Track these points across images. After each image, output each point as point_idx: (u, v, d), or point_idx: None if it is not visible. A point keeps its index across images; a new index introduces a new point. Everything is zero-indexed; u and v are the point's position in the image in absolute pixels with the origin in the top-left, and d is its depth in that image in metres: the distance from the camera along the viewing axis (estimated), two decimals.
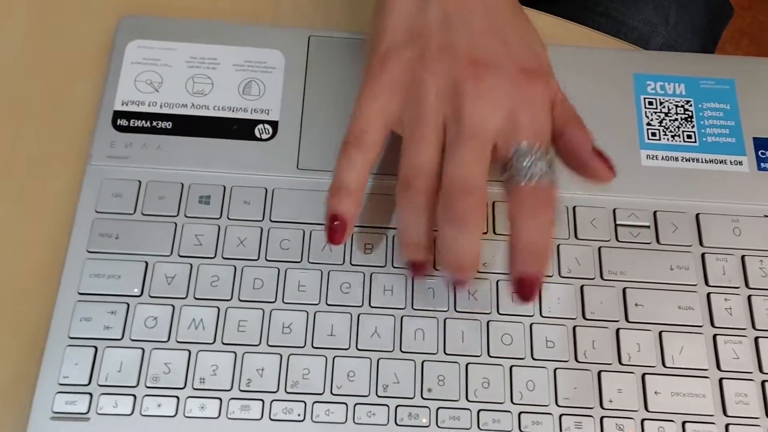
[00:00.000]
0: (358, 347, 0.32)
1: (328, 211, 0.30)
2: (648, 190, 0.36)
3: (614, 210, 0.35)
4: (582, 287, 0.34)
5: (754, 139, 0.37)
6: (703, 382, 0.32)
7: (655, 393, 0.32)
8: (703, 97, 0.38)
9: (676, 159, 0.36)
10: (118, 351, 0.31)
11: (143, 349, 0.32)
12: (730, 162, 0.36)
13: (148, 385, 0.31)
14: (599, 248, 0.34)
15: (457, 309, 0.33)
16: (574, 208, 0.35)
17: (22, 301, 0.33)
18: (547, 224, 0.29)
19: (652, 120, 0.37)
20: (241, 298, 0.33)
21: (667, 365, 0.32)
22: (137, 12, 0.39)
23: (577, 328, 0.33)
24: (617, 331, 0.33)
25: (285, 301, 0.33)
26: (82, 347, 0.31)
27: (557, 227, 0.35)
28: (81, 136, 0.36)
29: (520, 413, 0.31)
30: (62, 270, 0.33)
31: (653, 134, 0.37)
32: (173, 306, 0.32)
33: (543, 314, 0.33)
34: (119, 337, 0.32)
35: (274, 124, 0.36)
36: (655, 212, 0.35)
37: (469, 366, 0.32)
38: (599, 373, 0.32)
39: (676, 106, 0.37)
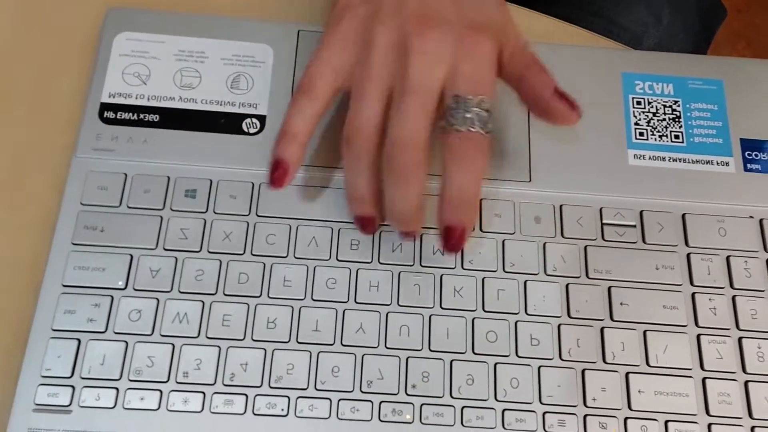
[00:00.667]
0: (343, 343, 0.32)
1: (272, 156, 0.31)
2: (635, 190, 0.36)
3: (601, 209, 0.35)
4: (567, 286, 0.34)
5: (741, 140, 0.37)
6: (687, 382, 0.32)
7: (639, 392, 0.32)
8: (691, 98, 0.38)
9: (663, 159, 0.36)
10: (101, 344, 0.31)
11: (126, 343, 0.31)
12: (717, 162, 0.36)
13: (131, 378, 0.31)
14: (585, 247, 0.34)
15: (443, 306, 0.33)
16: (560, 206, 0.35)
17: (6, 293, 0.33)
18: (476, 174, 0.29)
19: (640, 120, 0.37)
20: (226, 293, 0.32)
21: (651, 364, 0.32)
22: (124, 4, 0.38)
23: (561, 326, 0.33)
24: (602, 329, 0.33)
25: (270, 295, 0.33)
26: (65, 340, 0.31)
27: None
28: (67, 128, 0.36)
29: (503, 410, 0.31)
30: (46, 262, 0.33)
31: (641, 134, 0.37)
32: (157, 299, 0.32)
33: (528, 312, 0.33)
34: (103, 330, 0.31)
35: (261, 119, 0.36)
36: (641, 212, 0.35)
37: (454, 363, 0.32)
38: (583, 371, 0.32)
39: (664, 106, 0.37)
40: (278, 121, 0.35)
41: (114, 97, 0.36)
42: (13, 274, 0.33)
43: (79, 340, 0.31)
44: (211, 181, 0.34)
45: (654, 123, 0.37)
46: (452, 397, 0.31)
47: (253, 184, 0.35)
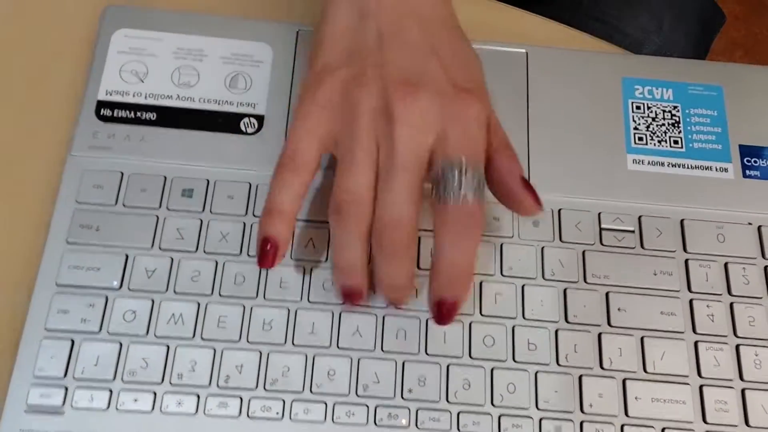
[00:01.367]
0: (339, 346, 0.32)
1: (259, 234, 0.30)
2: (633, 195, 0.35)
3: (599, 214, 0.35)
4: (565, 290, 0.33)
5: (740, 146, 0.37)
6: (684, 389, 0.32)
7: (636, 398, 0.32)
8: (690, 103, 0.38)
9: (662, 164, 0.36)
10: (95, 344, 0.31)
11: (121, 343, 0.31)
12: (716, 168, 0.36)
13: (125, 379, 0.31)
14: (583, 252, 0.34)
15: None
16: (559, 210, 0.35)
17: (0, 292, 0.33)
18: (471, 248, 0.28)
19: (639, 124, 0.37)
20: (222, 294, 0.32)
21: (648, 371, 0.32)
22: (123, 2, 0.38)
23: (559, 332, 0.33)
24: (599, 335, 0.33)
25: (266, 297, 0.32)
26: (58, 340, 0.31)
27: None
28: (63, 125, 0.36)
29: (500, 416, 0.31)
30: (40, 260, 0.32)
31: (640, 139, 0.37)
32: (153, 300, 0.32)
33: (525, 317, 0.33)
34: (97, 331, 0.31)
35: (259, 118, 0.36)
36: (639, 217, 0.35)
37: (450, 367, 0.32)
38: (580, 377, 0.32)
39: (664, 111, 0.37)
40: (277, 121, 0.35)
41: (111, 94, 0.35)
42: (6, 272, 0.33)
43: (72, 341, 0.31)
44: (208, 180, 0.34)
45: (653, 128, 0.37)
46: (448, 402, 0.31)
47: (250, 184, 0.34)
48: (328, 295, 0.32)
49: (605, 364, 0.32)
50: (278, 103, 0.36)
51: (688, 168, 0.36)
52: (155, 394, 0.30)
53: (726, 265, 0.35)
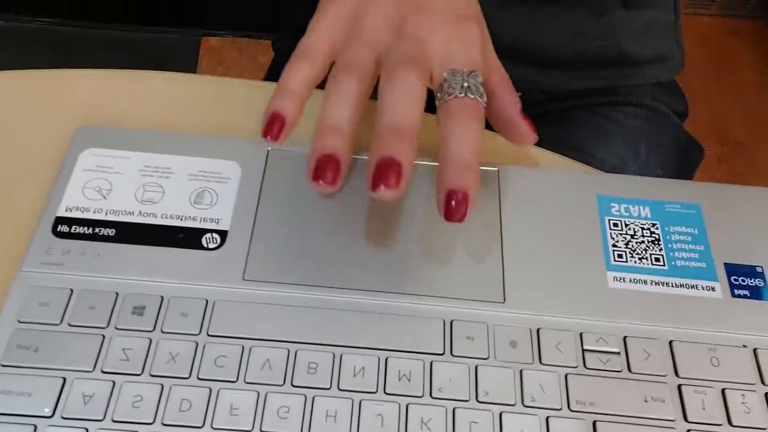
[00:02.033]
0: None
1: (268, 110, 0.30)
2: (616, 314, 0.33)
3: (581, 334, 0.33)
4: (548, 419, 0.30)
5: (726, 264, 0.35)
6: None
7: None
8: (669, 221, 0.36)
9: (645, 282, 0.34)
10: None
11: None
12: (702, 287, 0.34)
13: None
14: (566, 375, 0.31)
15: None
16: (537, 330, 0.33)
17: None
18: (476, 137, 0.29)
19: (618, 241, 0.36)
20: (165, 422, 0.29)
21: None
22: (98, 124, 0.38)
23: None
24: None
25: (214, 426, 0.29)
26: None
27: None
28: (21, 241, 0.34)
29: None
30: None
31: (619, 256, 0.35)
32: (86, 430, 0.29)
33: None
34: None
35: (222, 234, 0.34)
36: (624, 337, 0.33)
37: None
38: None
39: (642, 228, 0.36)
40: (240, 236, 0.34)
41: (71, 210, 0.35)
42: None
43: None
44: (162, 297, 0.32)
45: (633, 245, 0.35)
46: None
47: (206, 300, 0.32)
48: (283, 423, 0.29)
49: None
50: (243, 219, 0.35)
51: (672, 286, 0.34)
52: None
53: (723, 391, 0.31)
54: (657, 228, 0.36)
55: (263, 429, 0.29)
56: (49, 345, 0.31)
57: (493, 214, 0.36)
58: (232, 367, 0.30)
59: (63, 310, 0.32)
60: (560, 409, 0.31)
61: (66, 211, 0.35)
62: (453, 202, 0.28)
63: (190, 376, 0.30)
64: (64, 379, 0.30)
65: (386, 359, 0.31)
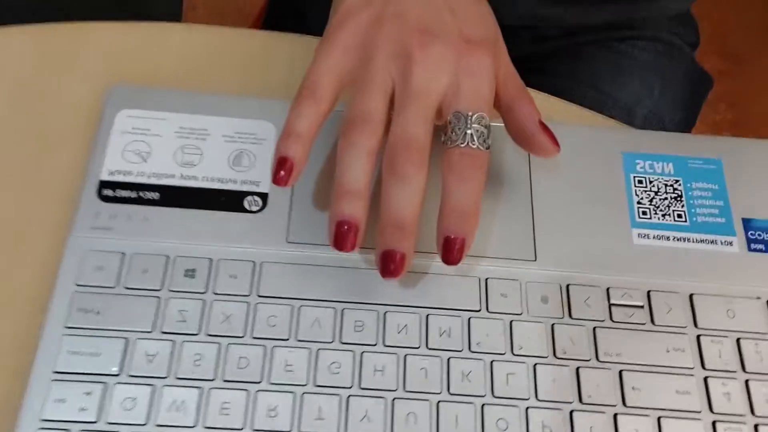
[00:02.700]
0: (349, 431, 0.30)
1: (276, 154, 0.31)
2: (640, 270, 0.35)
3: (608, 289, 0.35)
4: (578, 369, 0.33)
5: (743, 219, 0.37)
6: None
7: None
8: (691, 177, 0.38)
9: (668, 238, 0.36)
10: None
11: None
12: (721, 242, 0.36)
13: None
14: (594, 328, 0.34)
15: (451, 391, 0.32)
16: (567, 286, 0.35)
17: None
18: (476, 188, 0.30)
19: (642, 198, 0.37)
20: (226, 379, 0.31)
21: None
22: (126, 81, 0.38)
23: (574, 413, 0.32)
24: (615, 416, 0.32)
25: (271, 381, 0.31)
26: (54, 431, 0.29)
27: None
28: (65, 205, 0.35)
29: None
30: (38, 346, 0.31)
31: (644, 213, 0.37)
32: (153, 386, 0.31)
33: (539, 398, 0.32)
34: (94, 420, 0.30)
35: (263, 196, 0.35)
36: (648, 292, 0.35)
37: None
38: None
39: (666, 185, 0.38)
40: (281, 199, 0.35)
41: (113, 174, 0.35)
42: (2, 357, 0.32)
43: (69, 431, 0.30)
44: (210, 260, 0.34)
45: (656, 202, 0.37)
46: None
47: (254, 263, 0.34)
48: (335, 378, 0.31)
49: None
50: None
51: (693, 242, 0.36)
52: None
53: (738, 341, 0.34)
54: (680, 184, 0.38)
55: (317, 383, 0.31)
56: (109, 307, 0.32)
57: (523, 174, 0.37)
58: (284, 326, 0.32)
59: (118, 274, 0.33)
60: (589, 360, 0.33)
61: (109, 174, 0.35)
62: (451, 248, 0.30)
63: (244, 335, 0.32)
64: (127, 339, 0.32)
65: (427, 316, 0.33)
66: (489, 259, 0.35)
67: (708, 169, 0.38)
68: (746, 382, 0.33)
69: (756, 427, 0.32)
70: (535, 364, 0.33)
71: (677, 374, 0.33)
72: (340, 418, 0.31)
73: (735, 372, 0.33)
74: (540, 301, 0.34)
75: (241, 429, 0.30)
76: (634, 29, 0.58)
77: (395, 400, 0.31)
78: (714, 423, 0.32)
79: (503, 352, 0.33)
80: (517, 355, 0.33)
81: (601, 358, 0.33)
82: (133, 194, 0.35)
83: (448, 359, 0.32)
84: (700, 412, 0.32)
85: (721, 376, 0.33)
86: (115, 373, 0.31)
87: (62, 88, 0.39)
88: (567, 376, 0.32)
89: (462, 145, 0.30)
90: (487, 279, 0.34)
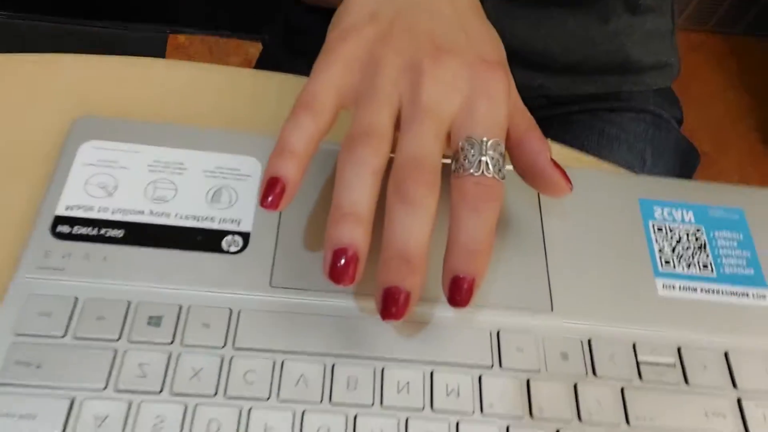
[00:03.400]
0: None
1: (267, 172, 0.27)
2: (668, 323, 0.31)
3: (634, 344, 0.31)
4: None
5: None
6: None
7: None
8: (713, 226, 0.35)
9: (695, 290, 0.33)
10: None
11: None
12: (753, 295, 0.33)
13: None
14: (621, 388, 0.29)
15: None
16: (589, 340, 0.30)
17: None
18: (490, 221, 0.26)
19: (663, 247, 0.34)
20: None
21: None
22: (96, 114, 0.35)
23: None
24: None
25: None
26: None
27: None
28: (12, 246, 0.30)
29: None
30: None
31: (667, 262, 0.33)
32: None
33: None
34: None
35: (245, 236, 0.31)
36: (679, 348, 0.31)
37: None
38: None
39: (687, 233, 0.34)
40: (264, 239, 0.31)
41: (72, 209, 0.31)
42: None
43: None
44: (180, 306, 0.29)
45: (679, 251, 0.34)
46: None
47: (230, 310, 0.29)
48: None
49: None
50: (267, 220, 0.32)
51: (723, 294, 0.33)
52: None
53: None
54: (702, 233, 0.35)
55: None
56: (54, 360, 0.27)
57: (534, 218, 0.34)
58: (264, 383, 0.27)
59: (67, 321, 0.28)
60: (619, 424, 0.28)
61: (66, 209, 0.31)
62: (458, 289, 0.26)
63: (216, 394, 0.27)
64: (73, 399, 0.26)
65: (432, 373, 0.28)
66: (500, 309, 0.31)
67: (730, 218, 0.35)
68: None
69: None
70: (558, 430, 0.28)
71: None
72: None
73: None
74: (560, 357, 0.30)
75: None
76: (620, 101, 0.58)
77: None
78: None
79: (521, 416, 0.28)
80: (536, 419, 0.28)
81: (631, 423, 0.28)
82: (93, 231, 0.30)
83: (457, 423, 0.27)
84: None
85: None
86: None
87: (27, 120, 0.35)
88: None
89: (476, 174, 0.26)
90: (498, 331, 0.30)
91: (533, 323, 0.30)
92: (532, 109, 0.33)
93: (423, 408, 0.28)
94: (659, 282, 0.33)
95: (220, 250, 0.31)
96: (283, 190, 0.26)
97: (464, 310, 0.27)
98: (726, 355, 0.31)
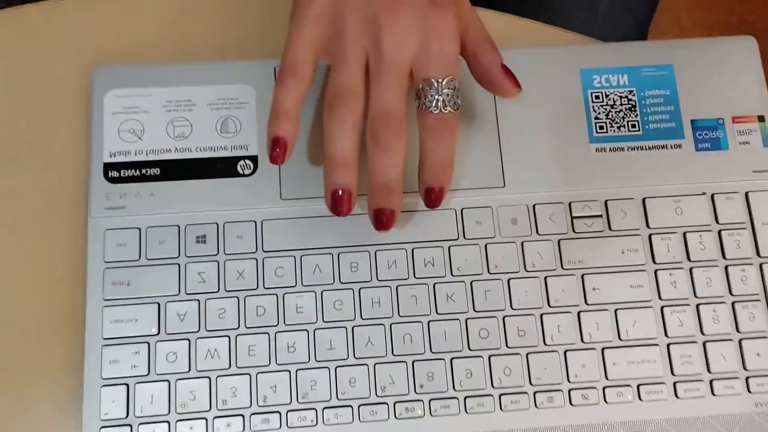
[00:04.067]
0: (356, 356, 0.37)
1: (269, 135, 0.34)
2: (599, 182, 0.39)
3: (570, 203, 0.39)
4: (546, 278, 0.38)
5: (692, 121, 0.40)
6: (654, 350, 0.37)
7: (613, 364, 0.37)
8: (644, 85, 0.41)
9: (623, 149, 0.40)
10: (147, 385, 0.36)
11: (169, 381, 0.36)
12: (671, 146, 0.40)
13: (179, 411, 0.36)
14: (559, 241, 0.39)
15: (438, 311, 0.37)
16: (533, 206, 0.39)
17: (53, 348, 0.37)
18: (450, 146, 0.35)
19: (599, 114, 0.40)
20: (248, 326, 0.37)
21: (623, 338, 0.38)
22: (105, 60, 0.40)
23: (543, 316, 0.38)
24: (578, 314, 0.38)
25: (286, 323, 0.37)
26: (115, 386, 0.36)
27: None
28: (74, 187, 0.39)
29: (500, 395, 0.37)
30: (84, 319, 0.37)
31: (601, 128, 0.40)
32: (189, 340, 0.37)
33: (513, 307, 0.38)
34: (146, 373, 0.36)
35: (254, 159, 0.39)
36: (606, 201, 0.39)
37: (453, 361, 0.37)
38: (565, 352, 0.37)
39: (621, 96, 0.41)
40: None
41: (115, 155, 0.39)
42: (56, 331, 0.37)
43: (127, 385, 0.36)
44: (217, 224, 0.38)
45: (612, 115, 0.40)
46: (455, 390, 0.37)
47: (255, 222, 0.38)
48: (339, 314, 0.37)
49: (585, 338, 0.37)
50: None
51: (645, 150, 0.40)
52: (206, 420, 0.36)
53: (684, 235, 0.39)
54: (633, 95, 0.41)
55: (325, 320, 0.37)
56: (137, 278, 0.37)
57: (489, 105, 0.40)
58: (290, 275, 0.38)
59: (138, 248, 0.38)
60: (555, 269, 0.38)
61: (110, 156, 0.39)
62: (432, 196, 0.35)
63: (257, 287, 0.37)
64: (159, 304, 0.37)
65: (413, 250, 0.38)
66: (462, 190, 0.39)
67: (660, 75, 0.41)
68: (690, 270, 0.39)
69: (698, 306, 0.38)
70: (509, 279, 0.38)
71: (631, 271, 0.38)
72: (348, 346, 0.37)
73: (681, 262, 0.39)
74: (510, 223, 0.39)
75: (268, 365, 0.36)
76: None
77: (392, 325, 0.37)
78: (662, 308, 0.38)
79: (480, 273, 0.38)
80: (493, 274, 0.38)
81: (565, 267, 0.38)
82: (136, 172, 0.39)
83: (434, 285, 0.38)
84: (650, 300, 0.38)
85: (669, 267, 0.39)
86: (154, 333, 0.37)
87: (46, 74, 0.41)
88: (536, 286, 0.38)
89: (435, 112, 0.33)
90: (462, 209, 0.39)
91: (489, 199, 0.39)
92: None
93: (407, 278, 0.38)
94: (593, 147, 0.40)
95: (236, 174, 0.39)
96: (285, 147, 0.34)
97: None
98: (644, 201, 0.39)
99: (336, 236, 0.38)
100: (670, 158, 0.40)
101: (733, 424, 0.37)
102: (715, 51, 0.41)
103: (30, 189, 0.39)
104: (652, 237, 0.39)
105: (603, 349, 0.37)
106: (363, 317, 0.37)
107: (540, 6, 0.54)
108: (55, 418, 0.37)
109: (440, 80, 0.33)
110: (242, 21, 0.42)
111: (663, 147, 0.40)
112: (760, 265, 0.39)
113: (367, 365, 0.37)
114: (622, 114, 0.40)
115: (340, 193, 0.34)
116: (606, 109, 0.40)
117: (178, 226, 0.38)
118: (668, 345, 0.38)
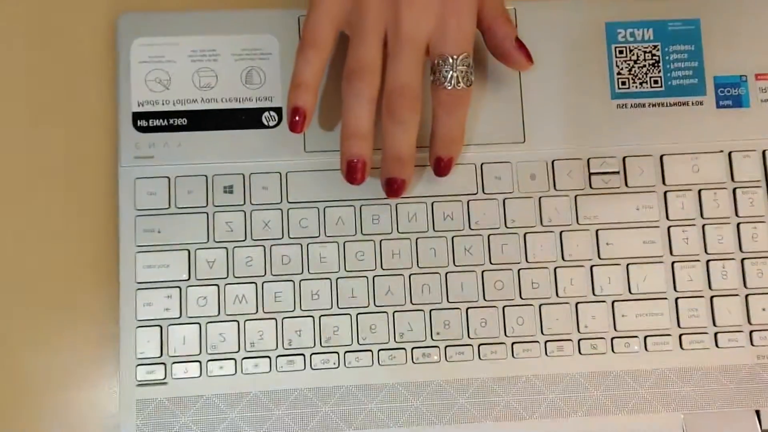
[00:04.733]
0: (376, 304, 0.39)
1: (289, 105, 0.35)
2: (618, 138, 0.40)
3: (588, 160, 0.40)
4: (561, 233, 0.39)
5: (715, 77, 0.40)
6: (662, 303, 0.39)
7: (623, 316, 0.39)
8: (669, 40, 0.40)
9: (644, 105, 0.40)
10: (179, 327, 0.38)
11: (200, 324, 0.38)
12: (692, 103, 0.40)
13: (209, 352, 0.38)
14: (575, 197, 0.40)
15: (456, 263, 0.39)
16: (552, 162, 0.40)
17: (88, 293, 0.39)
18: (461, 119, 0.36)
19: (622, 69, 0.40)
20: (274, 273, 0.39)
21: (633, 292, 0.39)
22: (126, 7, 0.40)
23: (557, 269, 0.39)
24: (591, 268, 0.39)
25: (310, 271, 0.39)
26: (149, 327, 0.38)
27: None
28: (103, 136, 0.40)
29: (512, 344, 0.39)
30: (118, 264, 0.38)
31: (623, 83, 0.40)
32: (218, 285, 0.38)
33: (528, 260, 0.39)
34: (178, 316, 0.38)
35: (278, 111, 0.40)
36: (624, 158, 0.40)
37: (469, 310, 0.39)
38: (576, 304, 0.39)
39: (645, 52, 0.40)
40: None
41: (142, 105, 0.39)
42: (91, 277, 0.39)
43: (161, 327, 0.38)
44: (243, 175, 0.39)
45: (635, 71, 0.40)
46: (470, 337, 0.38)
47: (280, 174, 0.39)
48: (361, 264, 0.39)
49: (597, 291, 0.39)
50: None
51: (667, 106, 0.40)
52: (235, 360, 0.38)
53: (699, 192, 0.40)
54: (658, 50, 0.40)
55: (347, 269, 0.39)
56: (168, 226, 0.39)
57: None
58: (314, 226, 0.39)
59: (168, 196, 0.39)
60: (570, 225, 0.39)
61: (139, 106, 0.39)
62: (441, 165, 0.37)
63: (283, 237, 0.39)
64: (189, 251, 0.39)
65: (432, 204, 0.39)
66: (483, 145, 0.40)
67: (686, 29, 0.41)
68: (703, 226, 0.40)
69: (708, 262, 0.39)
70: (525, 233, 0.39)
71: (645, 227, 0.39)
72: (369, 294, 0.39)
73: (694, 219, 0.40)
74: (529, 179, 0.40)
75: (293, 311, 0.38)
76: None
77: (411, 276, 0.39)
78: (673, 264, 0.39)
79: (498, 227, 0.39)
80: (510, 228, 0.39)
81: (580, 222, 0.39)
82: (163, 122, 0.39)
83: (452, 238, 0.39)
84: (662, 256, 0.39)
85: (682, 224, 0.40)
86: (185, 278, 0.38)
87: (70, 23, 0.41)
88: (552, 240, 0.39)
89: (449, 87, 0.34)
90: (482, 164, 0.40)
91: (509, 154, 0.40)
92: None
93: (427, 230, 0.39)
94: (614, 103, 0.40)
95: (261, 126, 0.39)
96: (304, 117, 0.35)
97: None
98: (661, 158, 0.40)
99: (358, 189, 0.39)
100: (690, 115, 0.40)
101: (734, 374, 0.39)
102: (743, 4, 0.41)
103: (61, 138, 0.40)
104: (667, 194, 0.40)
105: (613, 302, 0.39)
106: (383, 268, 0.39)
107: None
108: (94, 355, 0.39)
109: (455, 57, 0.34)
110: None
111: (684, 104, 0.40)
112: None
113: (386, 313, 0.38)
114: (645, 70, 0.40)
115: (355, 161, 0.35)
116: (629, 64, 0.40)
117: (206, 176, 0.39)
118: (676, 299, 0.39)
